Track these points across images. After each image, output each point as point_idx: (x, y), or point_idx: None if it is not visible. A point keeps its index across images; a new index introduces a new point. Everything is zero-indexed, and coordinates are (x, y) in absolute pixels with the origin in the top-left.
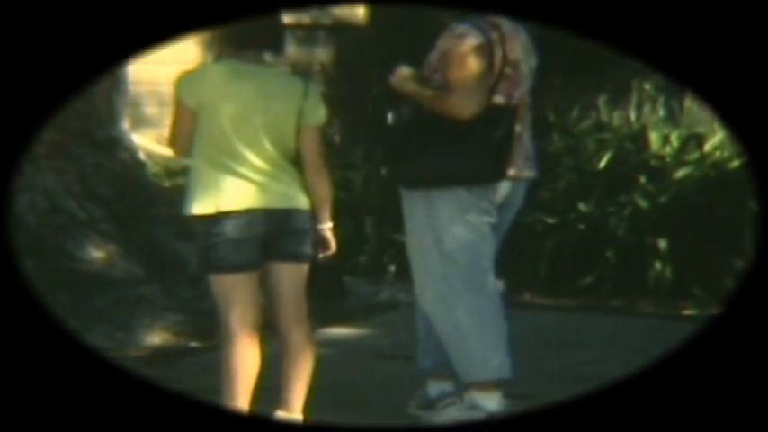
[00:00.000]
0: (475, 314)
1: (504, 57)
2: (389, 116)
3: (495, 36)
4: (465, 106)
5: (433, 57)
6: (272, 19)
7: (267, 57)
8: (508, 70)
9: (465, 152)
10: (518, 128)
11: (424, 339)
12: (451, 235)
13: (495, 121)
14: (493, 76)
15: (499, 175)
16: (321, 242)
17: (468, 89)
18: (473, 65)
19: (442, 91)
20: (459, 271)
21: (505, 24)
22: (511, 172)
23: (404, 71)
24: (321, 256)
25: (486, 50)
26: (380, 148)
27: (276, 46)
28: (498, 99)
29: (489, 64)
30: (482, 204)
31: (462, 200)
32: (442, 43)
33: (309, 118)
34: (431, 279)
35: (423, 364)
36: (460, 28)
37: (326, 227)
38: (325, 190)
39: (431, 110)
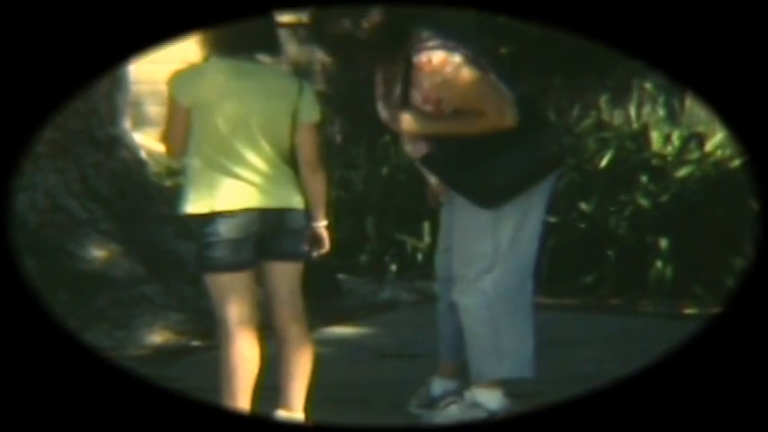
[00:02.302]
0: (513, 313)
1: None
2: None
3: (453, 44)
4: (506, 116)
5: (424, 90)
6: (267, 20)
7: (262, 56)
8: (483, 62)
9: (528, 147)
10: None
11: (456, 332)
12: (512, 236)
13: (525, 109)
14: (488, 76)
15: (566, 153)
16: (315, 240)
17: (493, 100)
18: (475, 77)
19: (460, 117)
20: (508, 270)
21: (445, 34)
22: None
23: (408, 117)
24: (315, 254)
25: (467, 59)
26: (435, 175)
27: (273, 48)
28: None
29: (480, 68)
30: (544, 201)
31: (527, 199)
32: (422, 77)
33: (304, 115)
34: (477, 276)
35: (446, 358)
36: (433, 54)
37: (321, 225)
38: (320, 188)
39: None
